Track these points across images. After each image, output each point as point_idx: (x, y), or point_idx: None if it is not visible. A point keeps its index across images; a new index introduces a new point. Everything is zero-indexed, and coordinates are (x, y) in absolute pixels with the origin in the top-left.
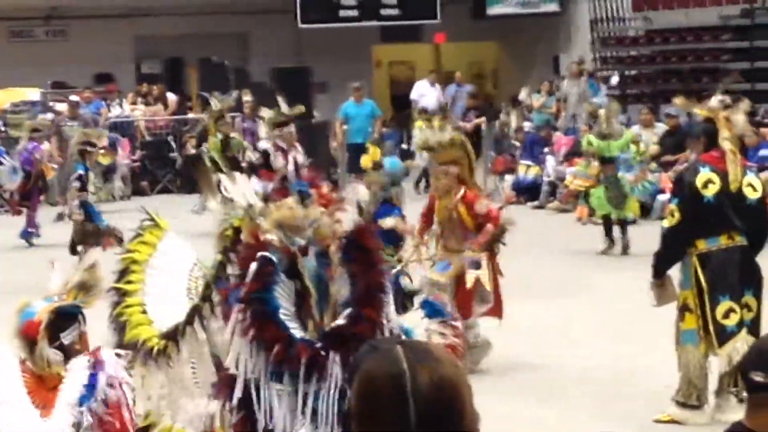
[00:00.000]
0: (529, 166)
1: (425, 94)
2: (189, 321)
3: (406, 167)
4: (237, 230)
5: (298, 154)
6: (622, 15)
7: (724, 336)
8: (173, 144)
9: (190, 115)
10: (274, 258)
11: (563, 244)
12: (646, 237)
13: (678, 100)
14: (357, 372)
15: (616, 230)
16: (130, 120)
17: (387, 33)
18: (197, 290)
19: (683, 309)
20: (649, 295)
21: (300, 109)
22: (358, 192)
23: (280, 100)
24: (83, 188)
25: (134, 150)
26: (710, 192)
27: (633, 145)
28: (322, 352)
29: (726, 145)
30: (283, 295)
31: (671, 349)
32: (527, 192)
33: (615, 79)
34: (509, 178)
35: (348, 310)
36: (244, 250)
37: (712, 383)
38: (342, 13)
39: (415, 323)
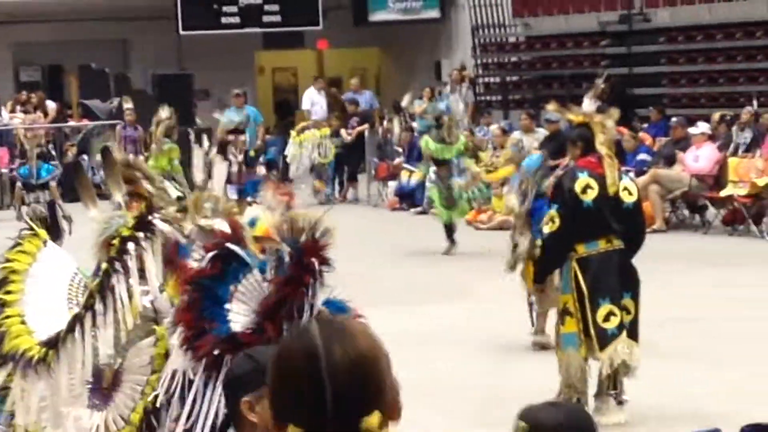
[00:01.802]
0: (412, 172)
1: (316, 102)
2: (70, 329)
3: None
4: (124, 239)
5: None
6: (503, 21)
7: (605, 339)
8: (53, 152)
9: (71, 123)
10: (242, 253)
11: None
12: None
13: (551, 106)
14: (275, 350)
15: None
16: (9, 128)
17: (269, 39)
18: (78, 299)
19: (563, 313)
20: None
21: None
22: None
23: (219, 113)
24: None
25: (13, 159)
26: (589, 197)
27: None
28: (219, 353)
29: (602, 149)
30: (245, 293)
31: (552, 352)
32: (410, 197)
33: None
34: (392, 184)
35: (253, 318)
36: (219, 237)
37: (592, 386)
38: (224, 19)
39: None
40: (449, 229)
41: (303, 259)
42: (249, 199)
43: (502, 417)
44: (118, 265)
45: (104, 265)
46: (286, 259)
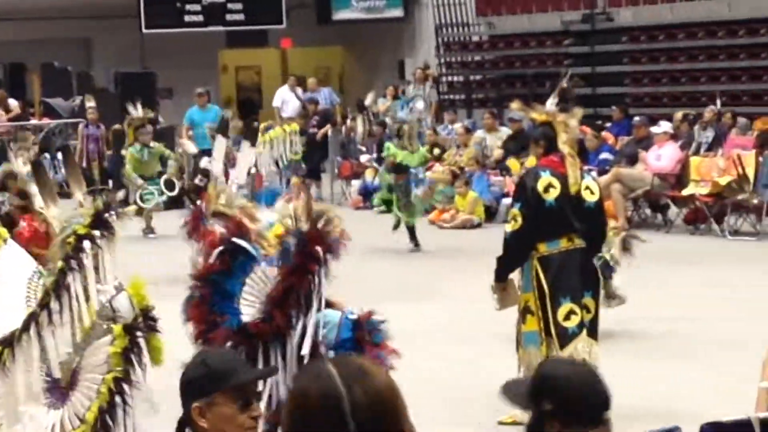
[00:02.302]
0: (377, 170)
1: (288, 100)
2: (25, 328)
3: None
4: (80, 237)
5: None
6: (466, 20)
7: (566, 338)
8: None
9: (33, 121)
10: (248, 247)
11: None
12: (492, 240)
13: (515, 104)
14: (290, 392)
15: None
16: None
17: (233, 38)
18: (36, 298)
19: (525, 311)
20: (492, 299)
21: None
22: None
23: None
24: None
25: None
26: (551, 196)
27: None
28: (231, 345)
29: (565, 148)
30: (253, 286)
31: (514, 351)
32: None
33: (420, 104)
34: (356, 183)
35: (260, 308)
36: (225, 231)
37: None
38: (187, 18)
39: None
40: (411, 231)
41: (308, 247)
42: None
43: (467, 414)
44: (73, 264)
45: (60, 264)
46: (292, 248)
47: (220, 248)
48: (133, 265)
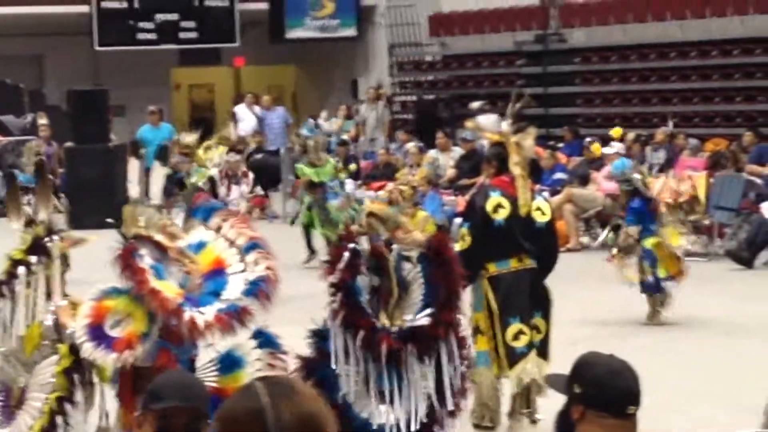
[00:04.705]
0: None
1: (243, 118)
2: None
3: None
4: (14, 263)
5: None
6: (419, 40)
7: (514, 357)
8: None
9: None
10: (360, 250)
11: None
12: None
13: (469, 123)
14: (220, 406)
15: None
16: None
17: (186, 56)
18: None
19: (475, 331)
20: None
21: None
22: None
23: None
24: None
25: None
26: (500, 216)
27: (340, 173)
28: (401, 346)
29: (516, 170)
30: (362, 286)
31: None
32: None
33: (336, 121)
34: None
35: (428, 311)
36: (337, 242)
37: (505, 405)
38: (140, 36)
39: (246, 352)
40: (309, 238)
41: (441, 252)
42: (198, 221)
43: None
44: (4, 290)
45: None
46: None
47: (347, 255)
48: None
